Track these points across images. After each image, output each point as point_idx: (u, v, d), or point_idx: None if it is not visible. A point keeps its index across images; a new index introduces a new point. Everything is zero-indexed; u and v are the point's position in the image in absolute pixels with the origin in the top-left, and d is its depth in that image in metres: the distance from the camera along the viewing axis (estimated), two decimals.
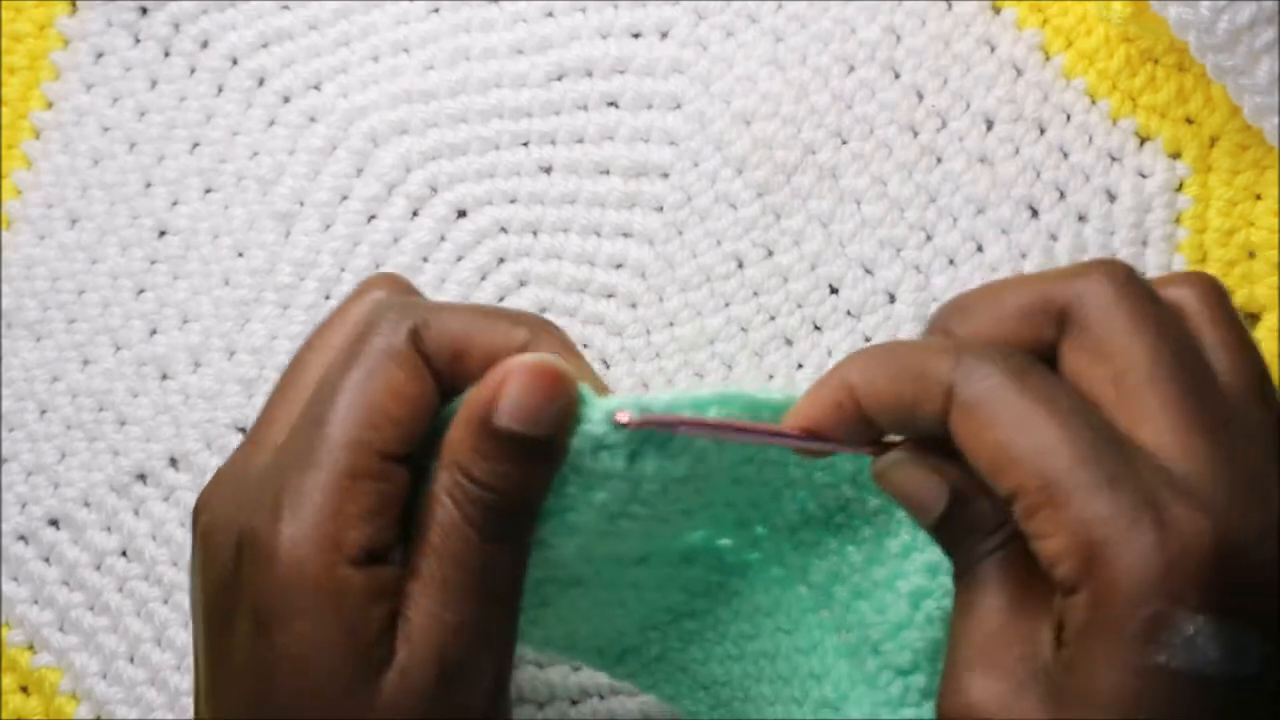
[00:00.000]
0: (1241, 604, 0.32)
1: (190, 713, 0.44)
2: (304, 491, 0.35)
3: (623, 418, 0.35)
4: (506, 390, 0.35)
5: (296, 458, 0.36)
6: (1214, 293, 0.36)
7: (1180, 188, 0.47)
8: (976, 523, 0.35)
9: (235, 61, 0.50)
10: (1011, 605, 0.34)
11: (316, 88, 0.50)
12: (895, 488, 0.36)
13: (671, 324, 0.48)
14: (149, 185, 0.50)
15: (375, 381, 0.36)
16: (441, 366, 0.37)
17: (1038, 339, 0.35)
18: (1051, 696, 0.33)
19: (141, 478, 0.49)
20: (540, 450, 0.35)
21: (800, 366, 0.47)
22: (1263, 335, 0.46)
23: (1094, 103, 0.48)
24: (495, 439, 0.35)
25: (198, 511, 0.38)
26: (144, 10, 0.51)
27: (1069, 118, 0.48)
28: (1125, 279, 0.35)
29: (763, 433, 0.36)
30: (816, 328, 0.48)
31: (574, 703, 0.47)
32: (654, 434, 0.35)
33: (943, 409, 0.34)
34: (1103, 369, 0.34)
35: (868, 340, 0.47)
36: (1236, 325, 0.36)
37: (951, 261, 0.47)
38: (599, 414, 0.35)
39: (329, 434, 0.36)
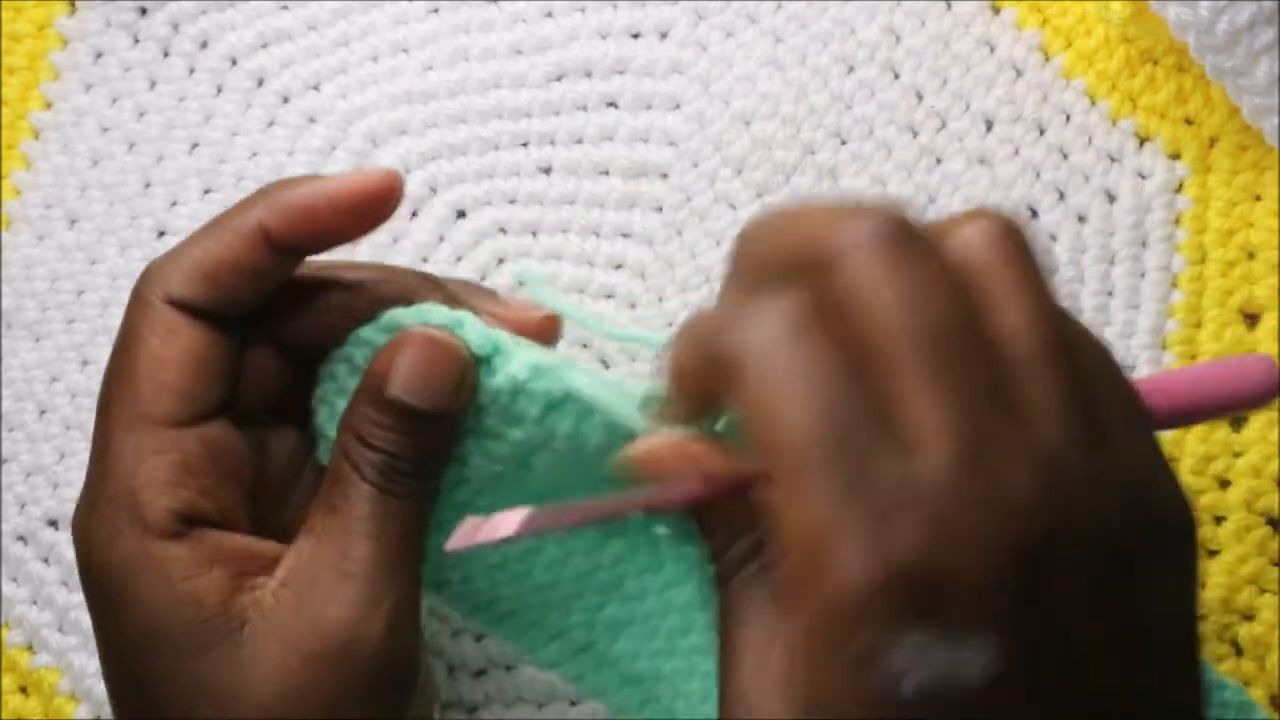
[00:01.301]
0: (961, 615, 0.28)
1: None
2: (96, 486, 0.37)
3: (450, 543, 0.35)
4: (398, 362, 0.36)
5: (91, 455, 0.37)
6: (1002, 236, 0.31)
7: (1180, 188, 0.47)
8: (732, 519, 0.35)
9: (234, 62, 0.50)
10: (770, 619, 0.34)
11: (316, 88, 0.50)
12: (662, 482, 0.35)
13: (671, 325, 0.48)
14: (148, 185, 0.50)
15: (133, 354, 0.37)
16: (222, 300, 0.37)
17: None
18: None
19: None
20: (430, 419, 0.37)
21: None
22: (1262, 336, 0.46)
23: (1093, 103, 0.48)
24: (388, 407, 0.36)
25: (72, 533, 0.39)
26: (143, 10, 0.51)
27: (1068, 118, 0.48)
28: (887, 231, 0.30)
29: (607, 510, 0.35)
30: None
31: (573, 703, 0.47)
32: (572, 395, 0.36)
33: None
34: (859, 342, 0.29)
35: None
36: (1025, 274, 0.30)
37: None
38: (515, 367, 0.36)
39: (106, 422, 0.37)
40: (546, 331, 0.41)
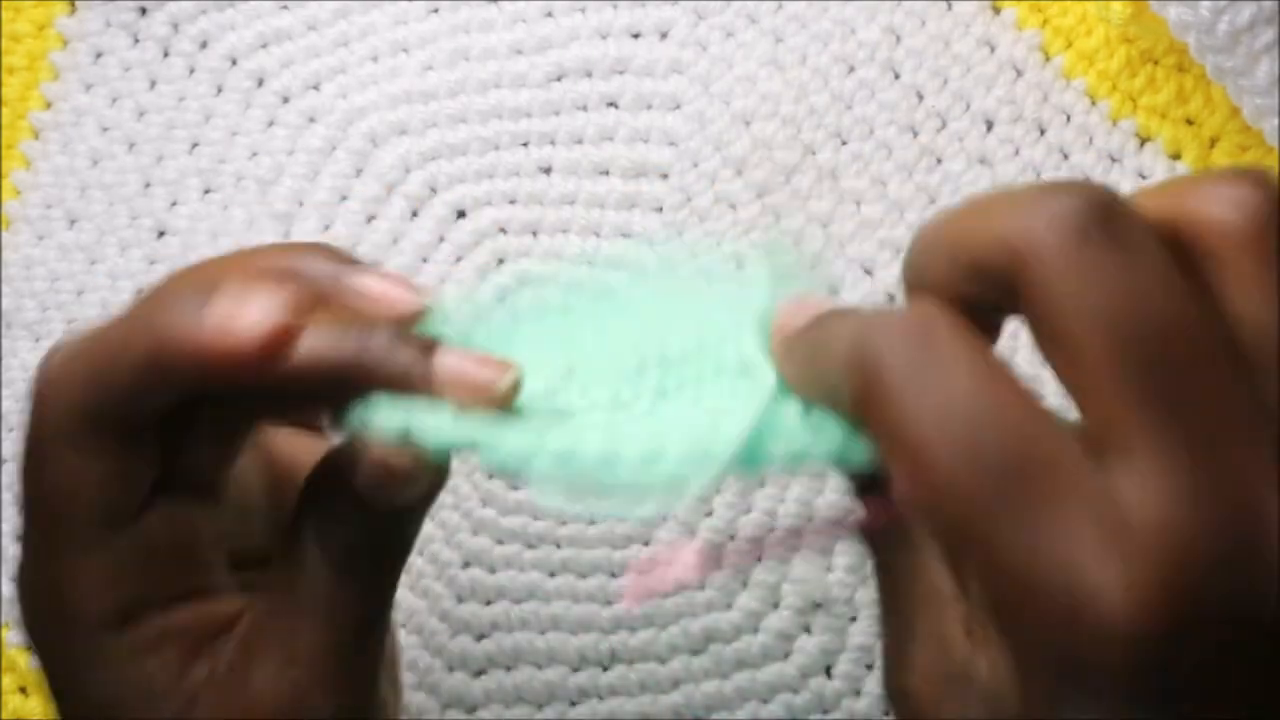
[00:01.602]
0: (1180, 684, 0.24)
1: None
2: (31, 586, 0.34)
3: (628, 603, 0.32)
4: (363, 457, 0.33)
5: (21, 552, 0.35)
6: (1257, 210, 0.25)
7: None
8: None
9: (234, 62, 0.50)
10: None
11: (316, 88, 0.50)
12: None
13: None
14: (148, 185, 0.50)
15: (44, 472, 0.34)
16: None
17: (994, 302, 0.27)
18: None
19: None
20: (392, 515, 0.34)
21: None
22: None
23: (1094, 103, 0.48)
24: (353, 498, 0.33)
25: None
26: (143, 10, 0.51)
27: (1069, 118, 0.48)
28: (1083, 219, 0.25)
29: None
30: None
31: (572, 704, 0.47)
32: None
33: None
34: (1057, 356, 0.25)
35: None
36: (1268, 245, 0.25)
37: None
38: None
39: (33, 530, 0.34)
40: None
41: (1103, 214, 0.25)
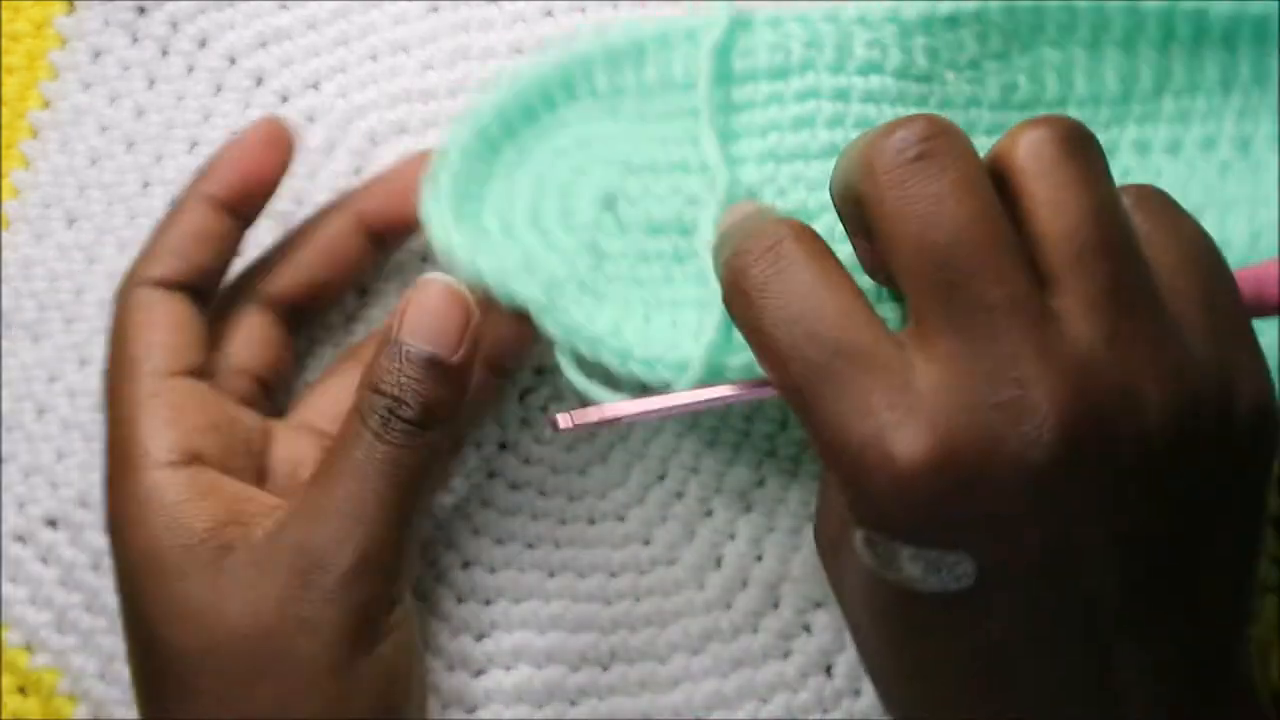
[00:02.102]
0: (949, 529, 0.31)
1: None
2: (112, 429, 0.41)
3: (562, 422, 0.37)
4: (408, 310, 0.39)
5: (107, 412, 0.42)
6: (1048, 133, 0.33)
7: None
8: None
9: (233, 61, 0.50)
10: None
11: (315, 87, 0.50)
12: None
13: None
14: (147, 185, 0.50)
15: (129, 326, 0.42)
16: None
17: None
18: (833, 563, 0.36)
19: None
20: (440, 365, 0.39)
21: None
22: None
23: None
24: (399, 353, 0.39)
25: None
26: (142, 10, 0.51)
27: None
28: (911, 147, 0.32)
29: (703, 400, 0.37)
30: None
31: (572, 703, 0.47)
32: None
33: None
34: (888, 259, 0.33)
35: None
36: (1067, 164, 0.33)
37: None
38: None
39: (114, 378, 0.42)
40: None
41: (927, 142, 0.32)
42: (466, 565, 0.47)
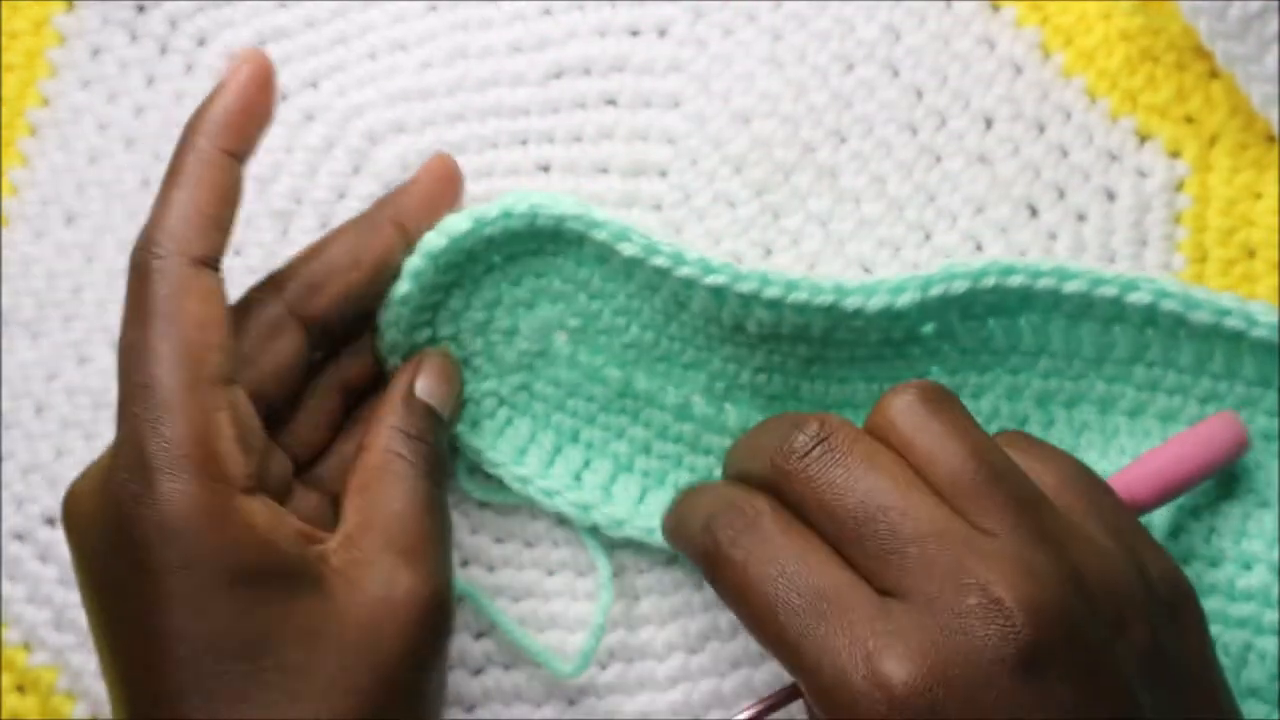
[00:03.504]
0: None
1: None
2: (162, 435, 0.37)
3: None
4: (422, 373, 0.44)
5: (138, 420, 0.37)
6: (922, 397, 0.39)
7: (1180, 187, 0.47)
8: None
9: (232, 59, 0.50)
10: None
11: (314, 85, 0.50)
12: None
13: None
14: (146, 183, 0.50)
15: (182, 315, 0.38)
16: (301, 306, 0.43)
17: None
18: None
19: None
20: (440, 419, 0.44)
21: None
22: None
23: (1093, 102, 0.48)
24: (415, 405, 0.43)
25: (70, 509, 0.39)
26: (141, 8, 0.51)
27: (1068, 117, 0.48)
28: (809, 444, 0.38)
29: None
30: None
31: (571, 702, 0.47)
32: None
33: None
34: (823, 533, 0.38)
35: None
36: (946, 418, 0.38)
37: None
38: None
39: (155, 393, 0.37)
40: (451, 182, 0.46)
41: (822, 439, 0.38)
42: (465, 564, 0.47)
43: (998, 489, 0.37)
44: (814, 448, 0.38)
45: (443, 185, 0.46)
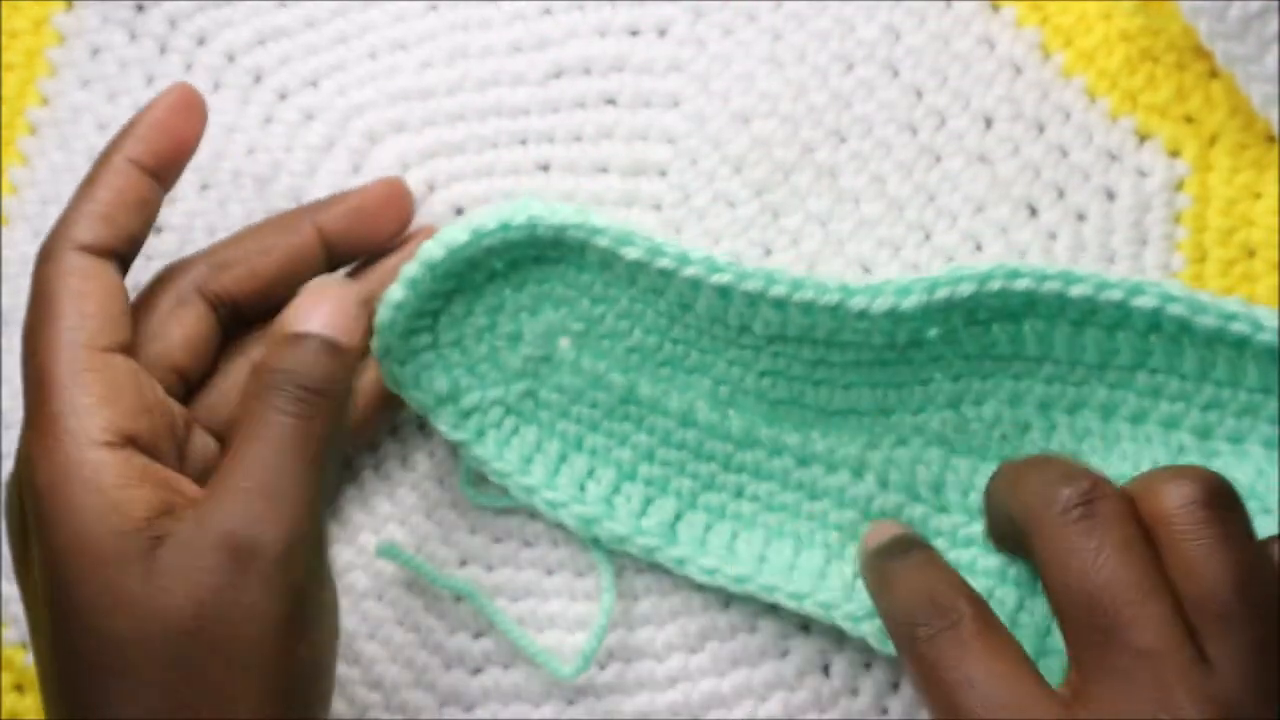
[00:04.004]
0: None
1: None
2: (36, 412, 0.39)
3: None
4: (303, 303, 0.41)
5: (28, 377, 0.40)
6: (1191, 500, 0.38)
7: (1180, 186, 0.47)
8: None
9: (232, 59, 0.50)
10: None
11: (314, 85, 0.50)
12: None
13: None
14: None
15: (62, 291, 0.40)
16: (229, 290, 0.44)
17: None
18: None
19: None
20: (336, 349, 0.41)
21: None
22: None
23: (1093, 101, 0.48)
24: (293, 339, 0.40)
25: (6, 489, 0.42)
26: (140, 7, 0.51)
27: (1068, 116, 0.48)
28: (1070, 502, 0.38)
29: None
30: None
31: (570, 702, 0.47)
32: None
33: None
34: (1053, 605, 0.38)
35: None
36: (1222, 534, 0.37)
37: (950, 260, 0.47)
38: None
39: (38, 359, 0.40)
40: (399, 202, 0.47)
41: (1091, 504, 0.38)
42: (464, 563, 0.47)
43: (1248, 628, 0.36)
44: (1076, 507, 0.38)
45: (380, 206, 0.46)
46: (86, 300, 0.40)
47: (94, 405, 0.39)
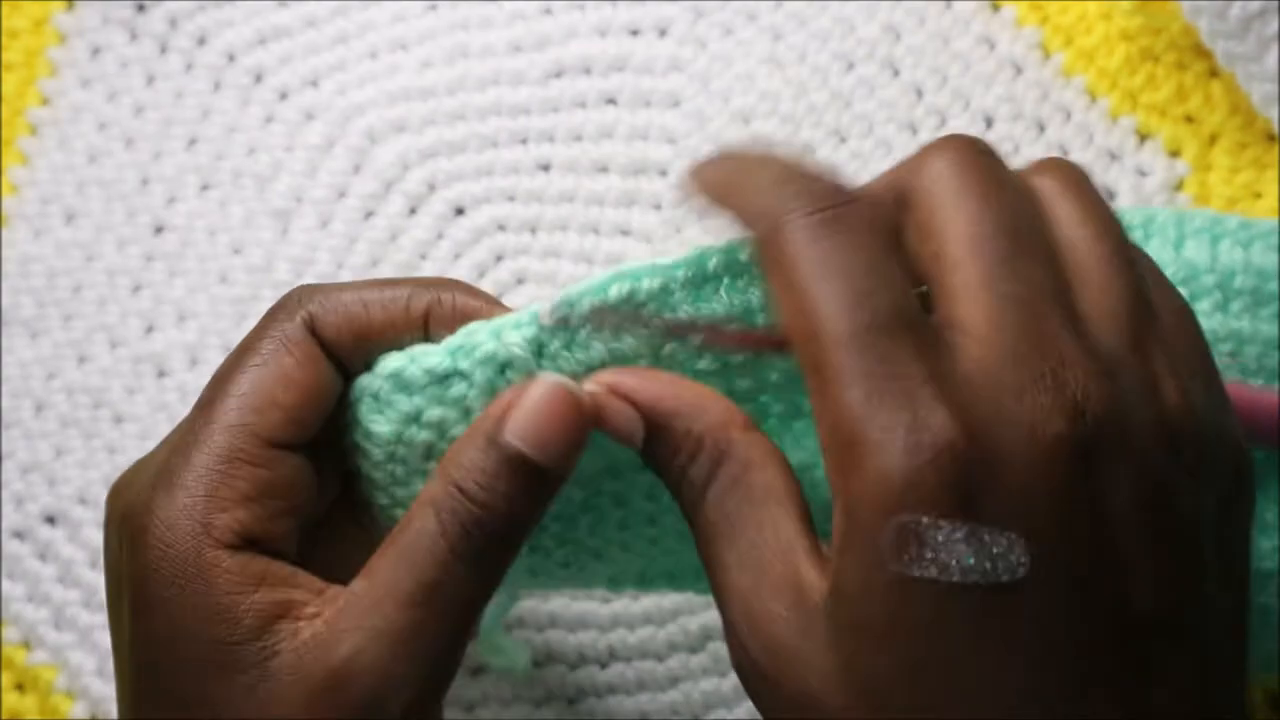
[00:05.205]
0: (999, 509, 0.29)
1: None
2: (177, 473, 0.35)
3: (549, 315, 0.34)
4: (518, 408, 0.34)
5: (177, 443, 0.36)
6: (1072, 172, 0.33)
7: (1180, 186, 0.47)
8: (677, 445, 0.34)
9: (232, 58, 0.50)
10: (769, 526, 0.32)
11: (314, 85, 0.50)
12: (604, 425, 0.34)
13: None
14: (145, 182, 0.50)
15: (264, 369, 0.36)
16: (344, 350, 0.37)
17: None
18: (832, 628, 0.30)
19: None
20: (540, 476, 0.34)
21: None
22: None
23: (1094, 101, 0.48)
24: (498, 456, 0.34)
25: (108, 500, 0.37)
26: (141, 7, 0.51)
27: (1069, 116, 0.48)
28: (966, 152, 0.32)
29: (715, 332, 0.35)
30: None
31: (571, 702, 0.47)
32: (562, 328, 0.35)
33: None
34: (927, 246, 0.31)
35: None
36: (1092, 199, 0.32)
37: None
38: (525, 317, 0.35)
39: (211, 418, 0.36)
40: None
41: (976, 149, 0.32)
42: None
43: (1116, 277, 0.31)
44: (971, 158, 0.32)
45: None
46: (289, 390, 0.36)
47: (236, 501, 0.35)
